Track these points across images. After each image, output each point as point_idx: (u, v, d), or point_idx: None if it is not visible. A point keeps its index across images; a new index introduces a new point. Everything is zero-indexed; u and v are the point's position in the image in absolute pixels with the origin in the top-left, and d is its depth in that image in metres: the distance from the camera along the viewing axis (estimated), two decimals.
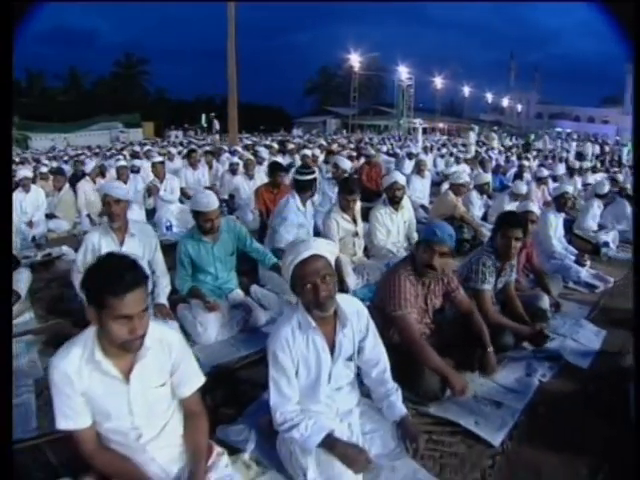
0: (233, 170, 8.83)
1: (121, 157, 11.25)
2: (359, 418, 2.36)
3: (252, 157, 8.81)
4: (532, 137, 34.02)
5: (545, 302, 3.85)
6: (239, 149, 12.83)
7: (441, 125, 48.81)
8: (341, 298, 2.28)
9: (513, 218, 3.51)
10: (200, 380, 2.06)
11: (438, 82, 48.93)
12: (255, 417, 2.55)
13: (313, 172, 4.78)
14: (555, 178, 10.20)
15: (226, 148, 13.99)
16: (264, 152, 11.21)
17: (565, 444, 2.56)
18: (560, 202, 5.48)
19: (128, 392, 1.84)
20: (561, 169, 12.05)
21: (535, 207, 4.42)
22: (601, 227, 7.15)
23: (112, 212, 3.60)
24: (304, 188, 4.73)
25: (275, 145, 13.82)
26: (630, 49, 1.93)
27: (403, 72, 42.86)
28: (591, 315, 4.37)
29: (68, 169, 10.40)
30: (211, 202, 3.58)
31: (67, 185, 7.72)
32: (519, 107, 61.96)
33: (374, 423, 2.36)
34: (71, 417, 1.82)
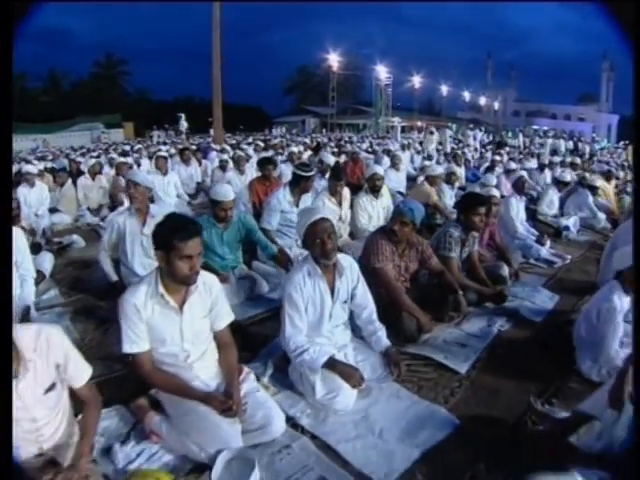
0: (223, 167, 9.46)
1: (114, 155, 11.73)
2: (352, 351, 3.00)
3: (243, 154, 9.40)
4: (510, 134, 35.06)
5: (505, 270, 4.53)
6: (227, 147, 13.45)
7: (419, 123, 49.49)
8: (338, 255, 2.92)
9: (477, 197, 4.20)
10: (230, 317, 2.65)
11: (416, 81, 49.58)
12: (267, 356, 3.17)
13: (312, 170, 5.40)
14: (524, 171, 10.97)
15: (214, 146, 14.66)
16: (250, 150, 11.88)
17: (518, 373, 3.22)
18: (518, 186, 6.26)
19: (181, 321, 2.43)
20: (533, 163, 12.87)
21: (497, 192, 5.10)
22: (563, 214, 7.94)
23: (131, 194, 4.16)
24: (301, 182, 5.27)
25: (260, 143, 14.49)
26: (630, 49, 1.94)
27: (381, 71, 43.38)
28: (547, 284, 5.06)
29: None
30: (228, 193, 4.15)
31: (69, 181, 8.18)
32: (496, 105, 62.65)
33: (365, 354, 3.01)
34: (135, 342, 2.39)
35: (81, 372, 2.19)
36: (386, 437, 2.51)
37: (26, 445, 2.07)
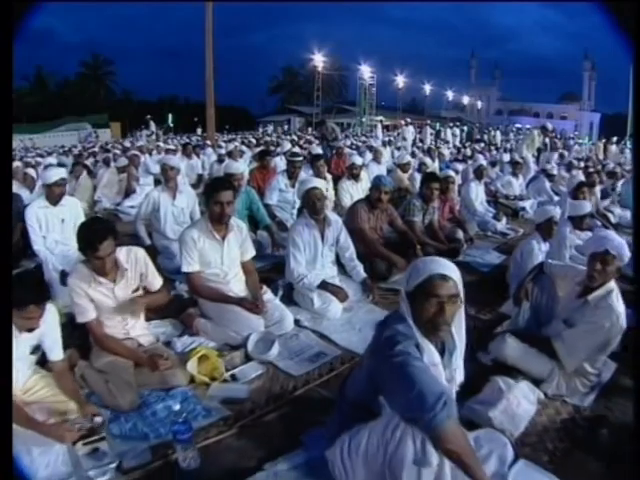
0: (221, 160, 10.54)
1: (117, 151, 12.76)
2: (338, 281, 4.11)
3: (233, 147, 10.56)
4: (490, 131, 36.38)
5: (460, 234, 5.67)
6: (222, 144, 14.64)
7: (402, 122, 50.35)
8: (327, 212, 4.05)
9: (432, 175, 5.40)
10: (253, 252, 3.79)
11: (400, 80, 50.28)
12: (276, 288, 4.23)
13: (300, 156, 6.66)
14: (494, 164, 12.27)
15: (209, 143, 15.91)
16: (242, 147, 13.04)
17: (468, 302, 4.29)
18: (477, 173, 7.41)
19: (222, 249, 3.53)
20: (505, 158, 14.17)
21: (453, 173, 6.28)
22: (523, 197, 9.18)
23: (167, 175, 5.20)
24: (294, 166, 6.39)
25: (253, 140, 15.75)
26: (630, 49, 1.97)
27: (365, 71, 44.12)
28: (498, 248, 6.20)
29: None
30: (240, 167, 5.26)
31: (85, 173, 9.21)
32: (479, 104, 63.43)
33: (347, 283, 4.14)
34: (191, 264, 3.47)
35: (156, 280, 3.24)
36: (364, 332, 3.62)
37: (116, 332, 3.10)
